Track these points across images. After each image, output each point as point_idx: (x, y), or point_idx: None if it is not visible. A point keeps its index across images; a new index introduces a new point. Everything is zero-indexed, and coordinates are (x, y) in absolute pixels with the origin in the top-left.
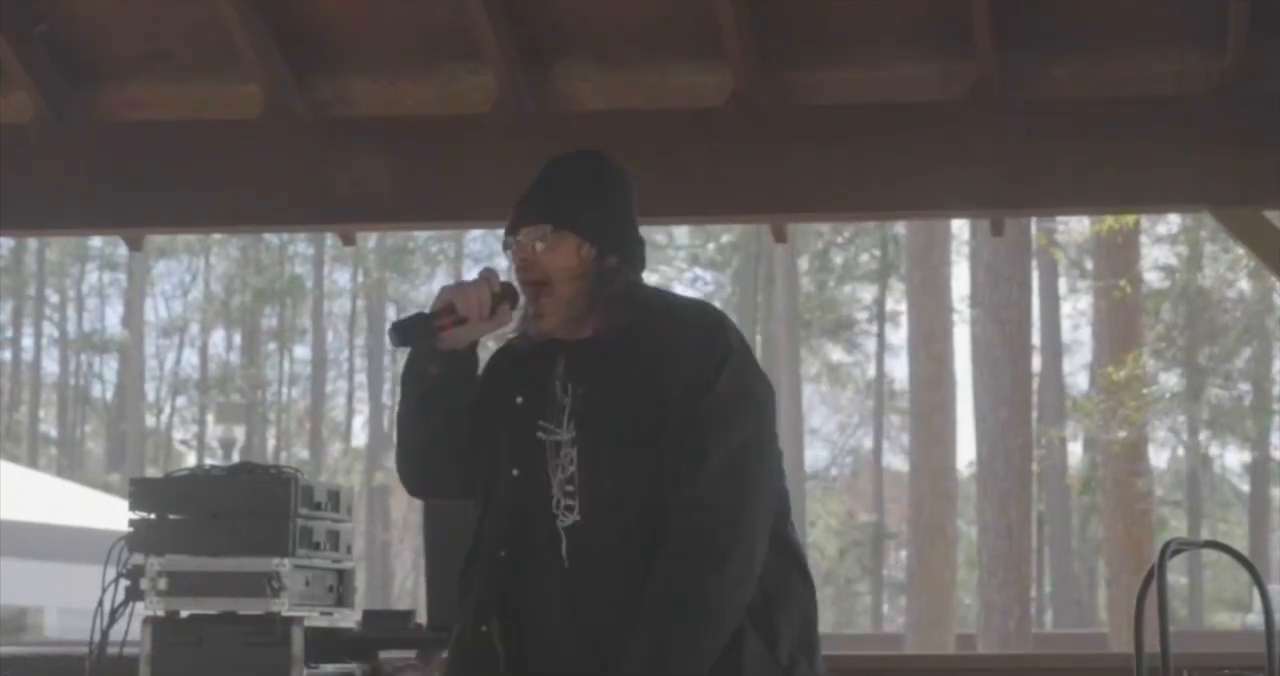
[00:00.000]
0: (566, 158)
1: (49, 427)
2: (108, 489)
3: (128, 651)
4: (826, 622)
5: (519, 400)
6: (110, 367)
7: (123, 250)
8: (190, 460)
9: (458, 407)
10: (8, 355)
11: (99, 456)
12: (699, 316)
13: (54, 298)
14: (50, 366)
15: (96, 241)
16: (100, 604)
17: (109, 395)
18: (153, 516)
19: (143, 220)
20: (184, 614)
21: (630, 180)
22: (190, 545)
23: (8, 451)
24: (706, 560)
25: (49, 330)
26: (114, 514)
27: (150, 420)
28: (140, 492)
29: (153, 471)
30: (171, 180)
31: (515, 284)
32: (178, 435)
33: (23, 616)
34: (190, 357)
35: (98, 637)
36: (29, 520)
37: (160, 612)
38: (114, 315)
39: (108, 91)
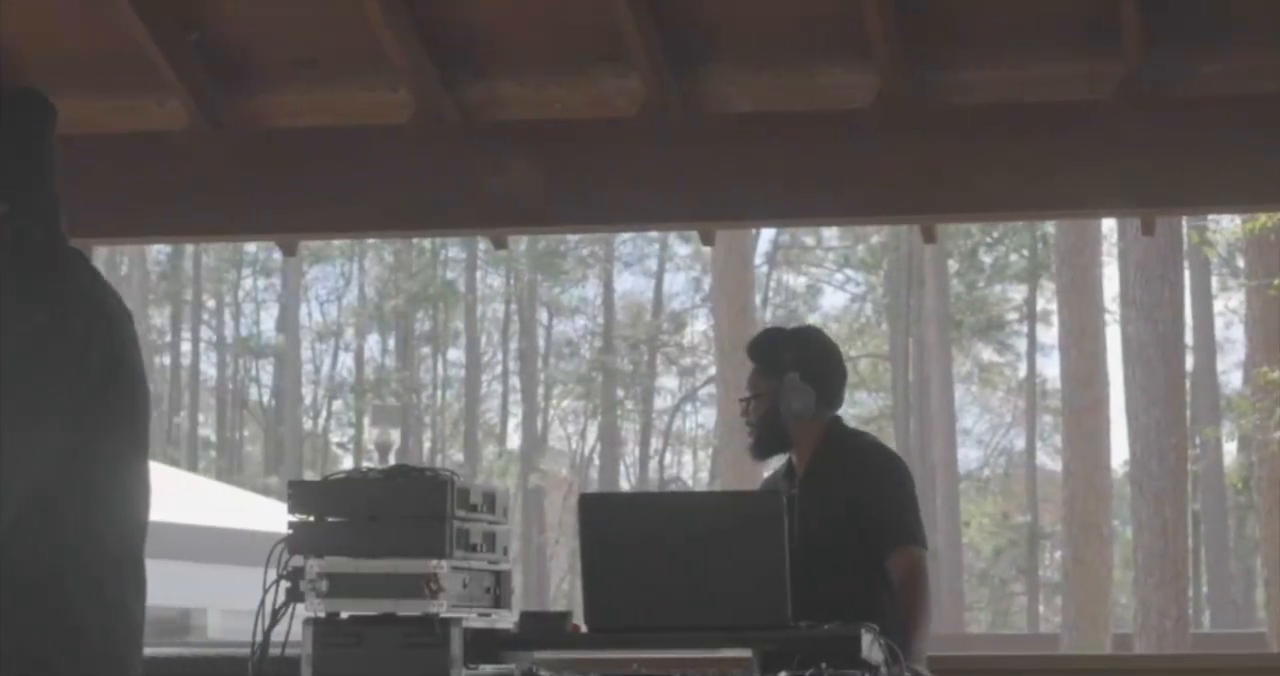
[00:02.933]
0: None
1: (208, 432)
2: (266, 492)
3: (289, 652)
4: (981, 623)
5: None
6: (267, 372)
7: (277, 255)
8: (347, 463)
9: None
10: (167, 360)
11: (257, 459)
12: None
13: (211, 303)
14: (209, 371)
15: (251, 247)
16: (261, 605)
17: (266, 399)
18: (311, 519)
19: (297, 226)
20: (344, 615)
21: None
22: (349, 547)
23: (168, 455)
24: None
25: (206, 335)
26: (273, 516)
27: (307, 423)
28: (299, 495)
29: (310, 474)
30: (324, 186)
31: None
32: (334, 438)
33: (185, 618)
34: (345, 361)
35: (259, 639)
36: (190, 523)
37: (321, 614)
38: (269, 320)
39: (260, 98)
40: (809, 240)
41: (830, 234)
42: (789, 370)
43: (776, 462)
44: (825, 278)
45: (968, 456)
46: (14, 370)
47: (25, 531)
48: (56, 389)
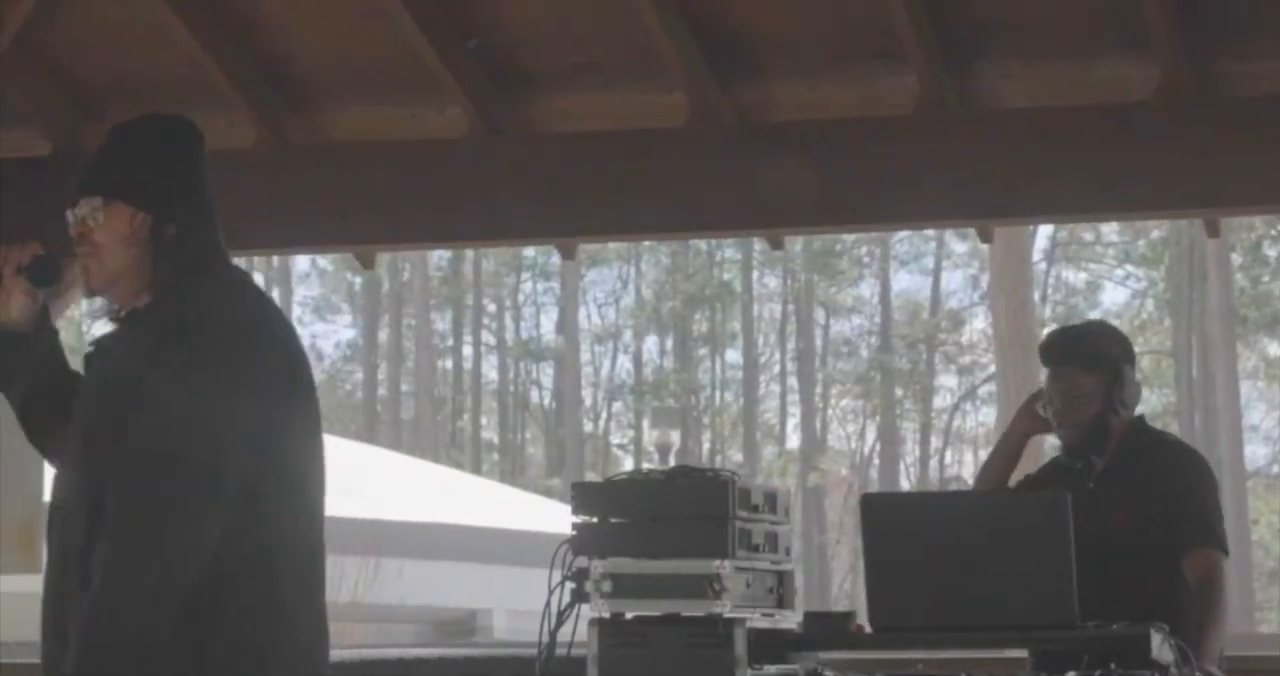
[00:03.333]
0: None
1: (491, 434)
2: (548, 493)
3: (575, 652)
4: (1272, 622)
5: None
6: (547, 374)
7: (556, 259)
8: (628, 464)
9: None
10: (449, 364)
11: (539, 461)
12: None
13: (491, 307)
14: (490, 374)
15: (530, 251)
16: (547, 606)
17: (547, 401)
18: (595, 520)
19: (576, 229)
20: (628, 615)
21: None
22: (632, 548)
23: (452, 458)
24: None
25: (487, 338)
26: (555, 517)
27: (588, 425)
28: (582, 497)
29: (592, 475)
30: (602, 189)
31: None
32: (614, 440)
33: (472, 618)
34: (624, 363)
35: (546, 639)
36: (474, 525)
37: (605, 614)
38: (549, 323)
39: (538, 103)
40: (1088, 236)
41: (1109, 229)
42: (1120, 366)
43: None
44: (1105, 273)
45: (1255, 453)
46: (224, 370)
47: (238, 524)
48: (256, 385)
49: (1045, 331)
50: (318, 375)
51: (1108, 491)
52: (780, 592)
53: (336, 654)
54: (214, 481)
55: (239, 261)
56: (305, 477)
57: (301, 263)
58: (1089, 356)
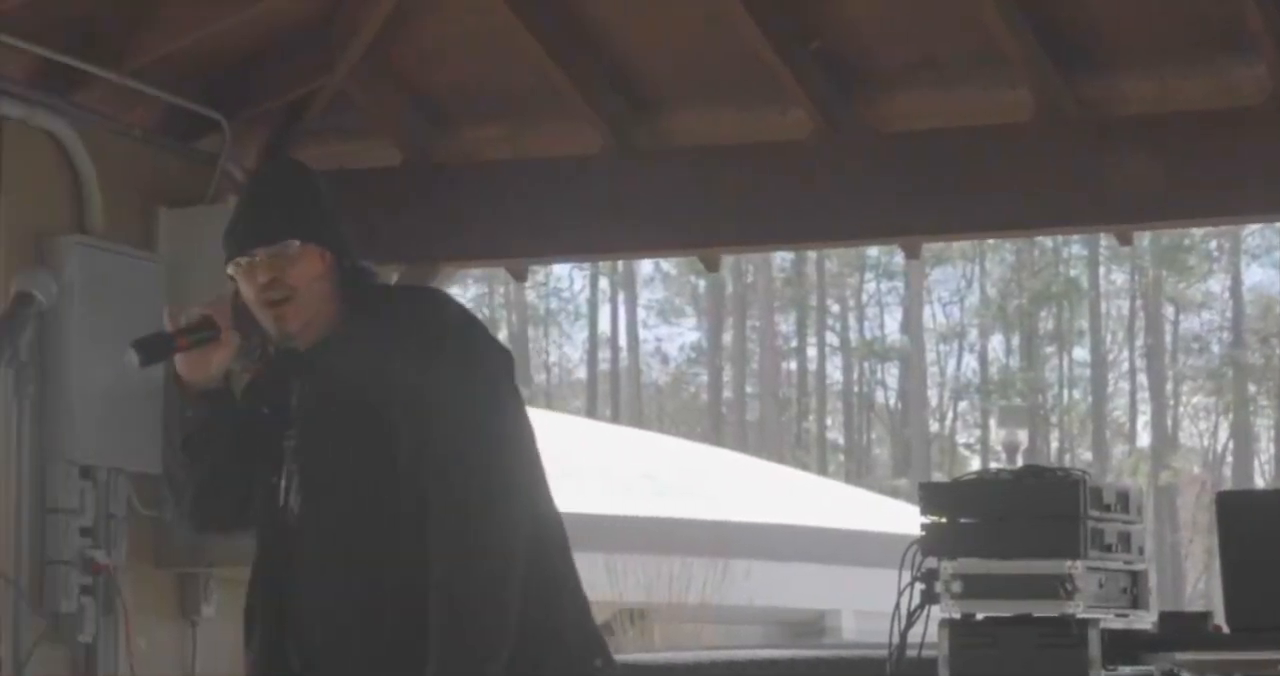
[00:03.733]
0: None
1: (836, 435)
2: (895, 494)
3: (925, 653)
4: None
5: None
6: (892, 374)
7: (899, 258)
8: (974, 464)
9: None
10: (794, 365)
11: (885, 462)
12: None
13: (835, 307)
14: (835, 375)
15: (873, 250)
16: (896, 607)
17: (892, 401)
18: (943, 520)
19: (920, 228)
20: (979, 616)
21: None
22: (982, 548)
23: (798, 459)
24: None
25: (831, 339)
26: (902, 518)
27: (934, 425)
28: (930, 497)
29: (939, 476)
30: (945, 187)
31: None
32: (961, 439)
33: (820, 619)
34: (970, 363)
35: (896, 640)
36: (821, 525)
37: (956, 615)
38: (893, 323)
39: (880, 102)
40: None
41: None
42: None
43: None
44: None
45: None
46: (485, 369)
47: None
48: (501, 377)
49: None
50: (663, 378)
51: None
52: (1134, 593)
53: (687, 655)
54: (513, 473)
55: (586, 266)
56: (539, 461)
57: (646, 267)
58: None
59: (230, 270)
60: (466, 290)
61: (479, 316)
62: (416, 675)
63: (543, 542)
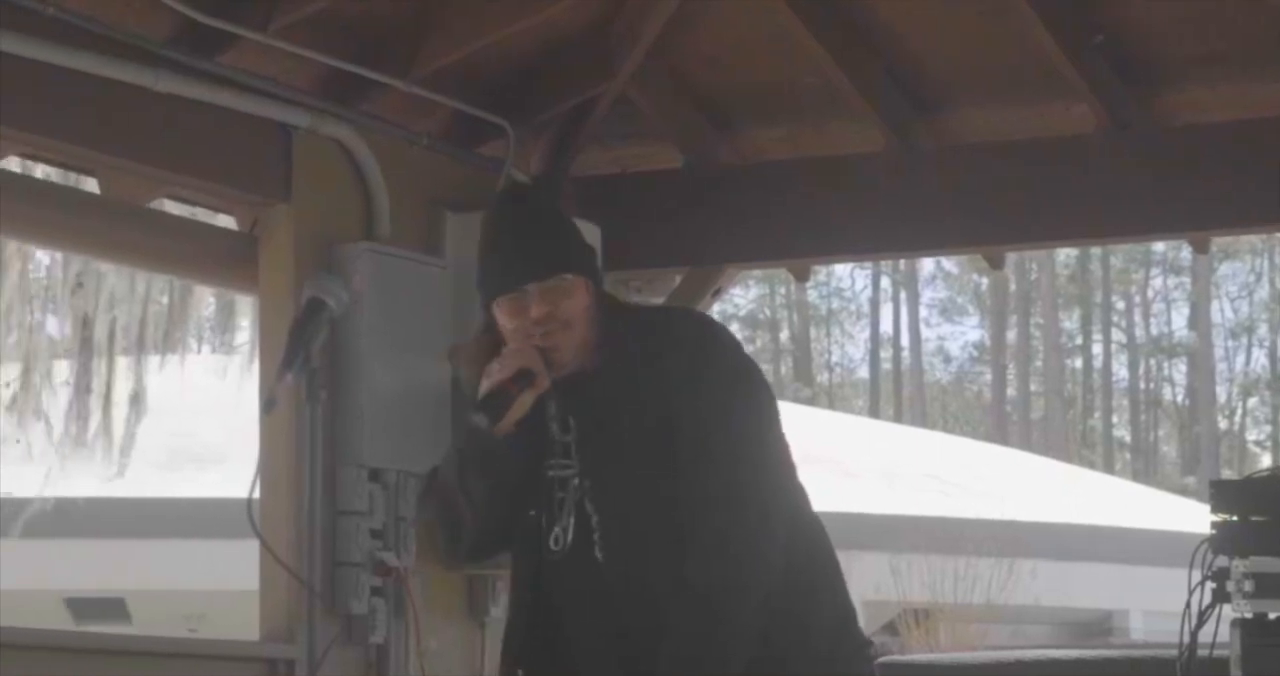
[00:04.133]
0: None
1: (1122, 432)
2: (1183, 492)
3: (1217, 653)
4: None
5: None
6: (1179, 371)
7: (1186, 254)
8: (1264, 461)
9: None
10: (1078, 363)
11: (1172, 459)
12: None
13: (1120, 304)
14: (1120, 372)
15: (1159, 246)
16: (1187, 606)
17: (1180, 398)
18: (1234, 518)
19: (1209, 223)
20: (1271, 616)
21: None
22: (1274, 546)
23: (1084, 458)
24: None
25: (1117, 336)
26: (1190, 516)
27: (1222, 422)
28: (1221, 494)
29: (1228, 473)
30: (1234, 180)
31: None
32: (1250, 436)
33: (1107, 619)
34: (1259, 358)
35: (1186, 640)
36: (1108, 524)
37: (1248, 614)
38: (1180, 319)
39: (1166, 96)
40: None
41: None
42: None
43: None
44: None
45: None
46: (765, 392)
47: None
48: (771, 408)
49: None
50: (945, 376)
51: None
52: None
53: (974, 655)
54: (781, 494)
55: (868, 265)
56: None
57: (927, 265)
58: None
59: (497, 306)
60: (748, 291)
61: (762, 318)
62: None
63: (798, 548)
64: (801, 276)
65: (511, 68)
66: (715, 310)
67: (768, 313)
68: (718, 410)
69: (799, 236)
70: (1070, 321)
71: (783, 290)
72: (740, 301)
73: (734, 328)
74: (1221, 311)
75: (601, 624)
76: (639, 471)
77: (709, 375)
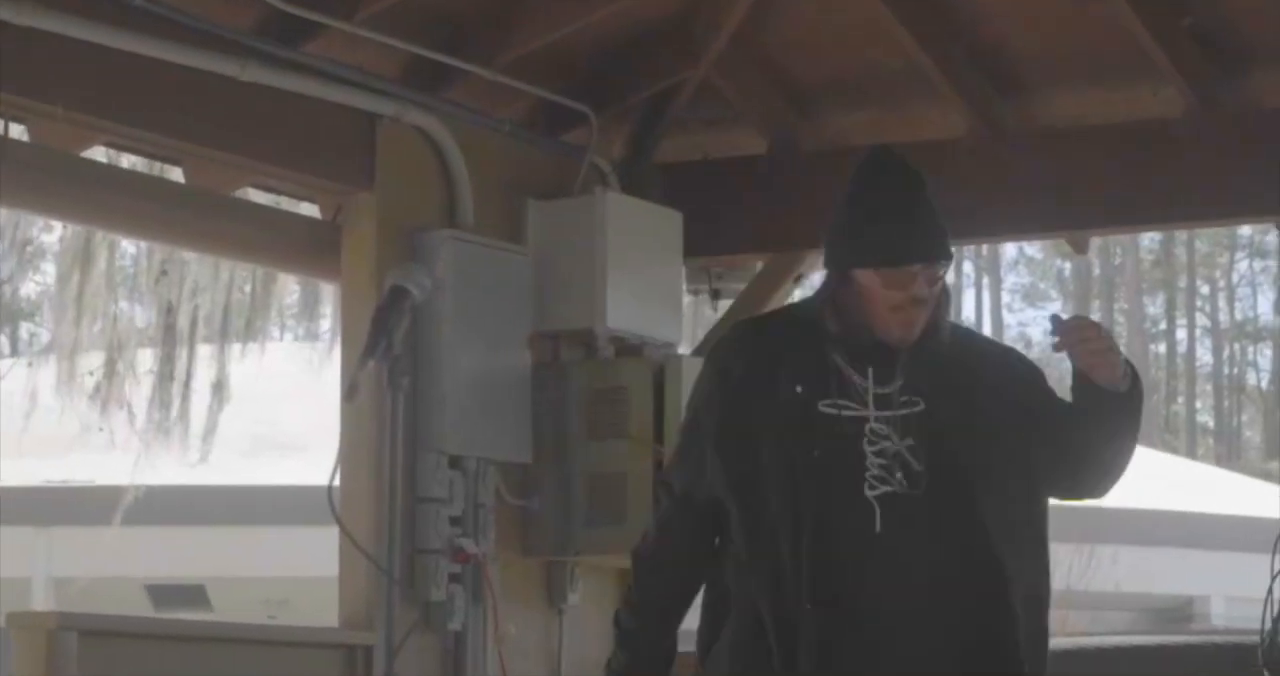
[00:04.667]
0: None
1: (1206, 418)
2: (1267, 477)
3: None
4: None
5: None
6: (1264, 356)
7: (1271, 237)
8: None
9: None
10: (1162, 348)
11: (1256, 445)
12: None
13: (1204, 288)
14: (1204, 357)
15: (1245, 230)
16: (1269, 592)
17: (1265, 383)
18: None
19: None
20: None
21: None
22: None
23: (1167, 443)
24: None
25: (1201, 321)
26: (1274, 502)
27: None
28: None
29: None
30: None
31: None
32: None
33: (1189, 605)
34: None
35: (1268, 626)
36: (1190, 510)
37: None
38: (1265, 303)
39: (1256, 77)
40: None
41: None
42: None
43: None
44: None
45: None
46: None
47: None
48: None
49: None
50: None
51: None
52: None
53: (1056, 641)
54: None
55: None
56: None
57: (1010, 250)
58: None
59: (875, 273)
60: None
61: None
62: None
63: None
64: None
65: (595, 54)
66: (798, 296)
67: None
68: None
69: (1095, 205)
70: (1154, 306)
71: None
72: None
73: None
74: None
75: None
76: (993, 428)
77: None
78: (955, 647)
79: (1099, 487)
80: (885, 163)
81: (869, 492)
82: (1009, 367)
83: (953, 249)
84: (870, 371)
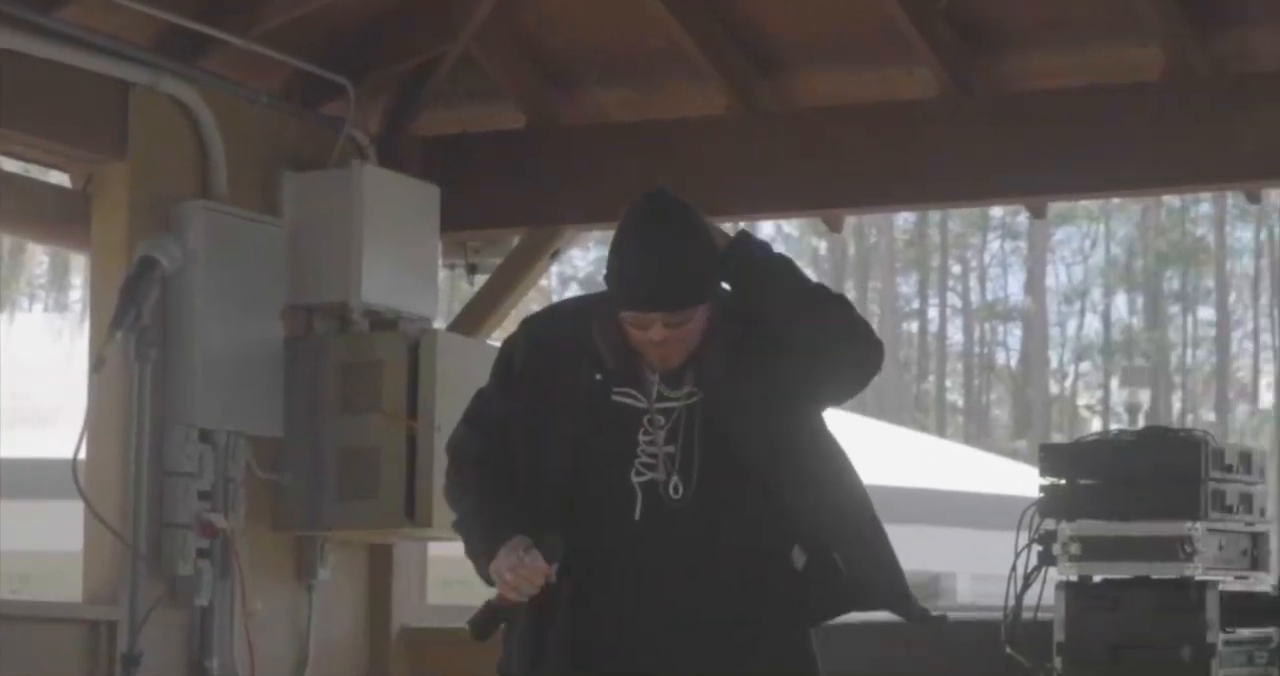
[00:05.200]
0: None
1: (956, 396)
2: (1014, 455)
3: (1041, 616)
4: None
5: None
6: (1014, 335)
7: (1022, 218)
8: (1095, 426)
9: None
10: (914, 326)
11: (1005, 423)
12: None
13: (957, 268)
14: (955, 336)
15: (997, 211)
16: (1013, 569)
17: (1013, 363)
18: (1063, 482)
19: (1047, 188)
20: (1096, 578)
21: None
22: (1101, 510)
23: (916, 421)
24: None
25: (952, 300)
26: (1021, 480)
27: (1054, 387)
28: (1050, 458)
29: (1059, 437)
30: (1073, 146)
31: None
32: (1081, 401)
33: (935, 582)
34: (1092, 323)
35: (1011, 602)
36: (939, 488)
37: (1073, 577)
38: (1016, 283)
39: (1009, 62)
40: None
41: None
42: None
43: None
44: None
45: None
46: None
47: None
48: None
49: None
50: None
51: None
52: (1254, 555)
53: None
54: None
55: None
56: None
57: (767, 227)
58: None
59: (623, 314)
60: (588, 252)
61: (599, 282)
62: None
63: None
64: None
65: (354, 26)
66: (554, 271)
67: None
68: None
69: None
70: (908, 285)
71: None
72: (580, 263)
73: (573, 290)
74: (1056, 277)
75: (694, 580)
76: (759, 397)
77: None
78: (709, 639)
79: (848, 376)
80: (650, 207)
81: (635, 479)
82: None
83: (703, 295)
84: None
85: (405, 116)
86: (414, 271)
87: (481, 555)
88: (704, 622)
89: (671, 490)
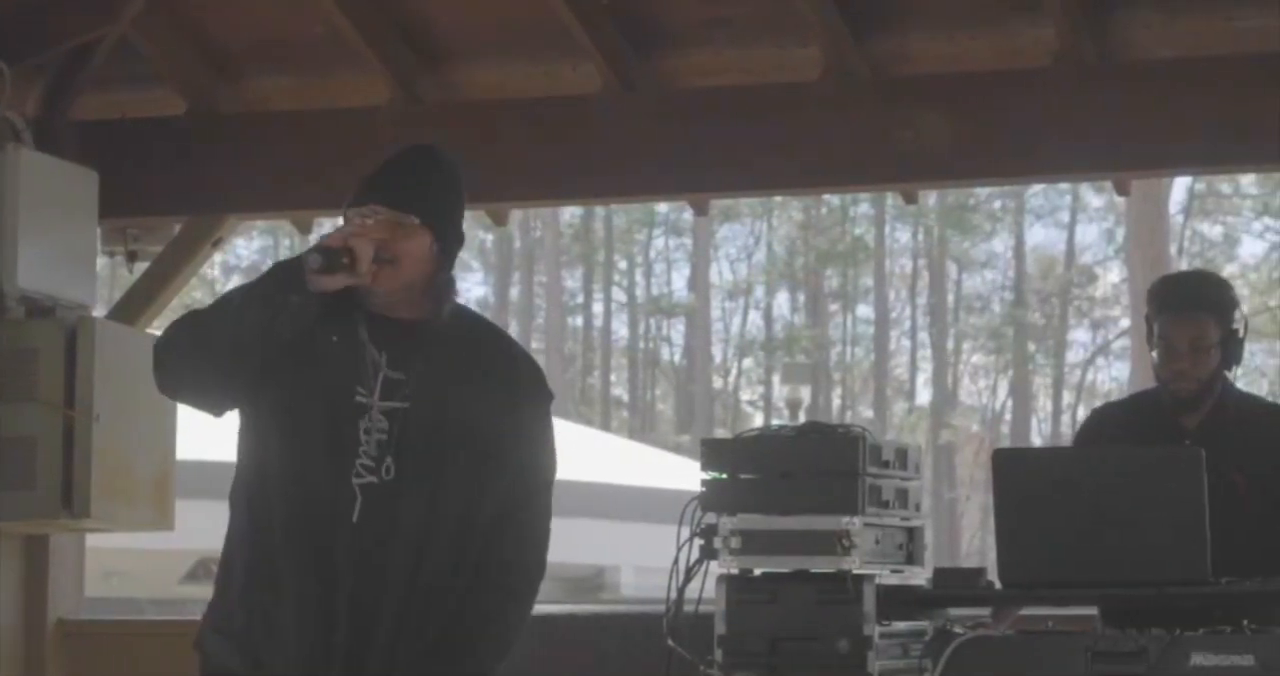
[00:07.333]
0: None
1: (620, 391)
2: (678, 450)
3: (703, 609)
4: None
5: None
6: (678, 331)
7: (688, 215)
8: (757, 421)
9: (282, 342)
10: (579, 321)
11: (669, 418)
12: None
13: (622, 263)
14: (620, 331)
15: (662, 207)
16: (675, 563)
17: (677, 358)
18: (724, 476)
19: (708, 185)
20: (757, 572)
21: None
22: (761, 504)
23: (582, 414)
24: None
25: (618, 295)
26: (685, 474)
27: (718, 382)
28: (711, 453)
29: (722, 432)
30: (734, 144)
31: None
32: (744, 396)
33: (599, 575)
34: (755, 320)
35: (673, 595)
36: (603, 481)
37: (734, 571)
38: (680, 279)
39: (672, 59)
40: (1225, 188)
41: (1248, 181)
42: (1235, 319)
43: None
44: (1243, 226)
45: None
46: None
47: None
48: None
49: (1160, 277)
50: None
51: (1214, 450)
52: (910, 549)
53: None
54: None
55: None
56: None
57: None
58: (1219, 304)
59: (348, 215)
60: (251, 242)
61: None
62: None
63: None
64: (306, 229)
65: (9, 6)
66: (217, 260)
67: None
68: (547, 426)
69: (300, 187)
70: (573, 280)
71: (287, 241)
72: (243, 252)
73: (236, 279)
74: (720, 273)
75: (404, 557)
76: (474, 420)
77: (539, 400)
78: (414, 643)
79: None
80: (422, 147)
81: (355, 481)
82: (500, 351)
83: (426, 211)
84: (384, 355)
85: (63, 100)
86: (71, 258)
87: (278, 273)
88: (410, 627)
89: (385, 489)
